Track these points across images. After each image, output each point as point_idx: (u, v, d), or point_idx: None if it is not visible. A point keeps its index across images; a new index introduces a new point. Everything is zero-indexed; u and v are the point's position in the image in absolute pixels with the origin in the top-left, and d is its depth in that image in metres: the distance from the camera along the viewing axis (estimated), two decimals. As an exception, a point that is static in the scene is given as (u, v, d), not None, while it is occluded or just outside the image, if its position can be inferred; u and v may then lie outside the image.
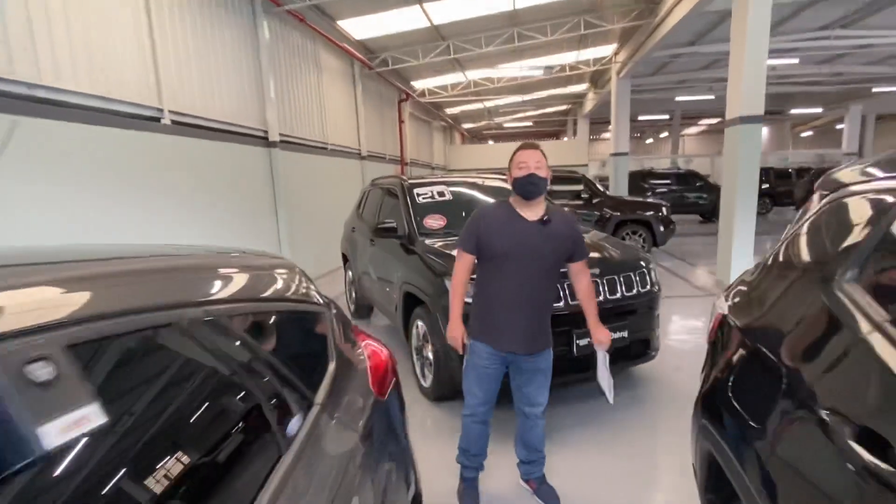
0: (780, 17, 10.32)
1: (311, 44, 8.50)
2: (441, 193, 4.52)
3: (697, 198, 14.92)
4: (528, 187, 2.19)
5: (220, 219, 5.88)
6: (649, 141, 35.69)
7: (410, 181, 4.71)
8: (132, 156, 4.57)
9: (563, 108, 23.87)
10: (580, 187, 9.30)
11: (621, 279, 3.35)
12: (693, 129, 31.60)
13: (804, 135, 28.38)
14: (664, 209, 8.97)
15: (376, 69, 10.99)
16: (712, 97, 18.08)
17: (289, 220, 7.21)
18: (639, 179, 14.49)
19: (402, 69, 12.88)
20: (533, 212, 2.23)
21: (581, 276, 2.38)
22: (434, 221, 4.21)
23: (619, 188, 12.83)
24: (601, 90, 16.62)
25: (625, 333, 3.30)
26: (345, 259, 5.99)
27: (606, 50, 13.13)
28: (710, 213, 15.04)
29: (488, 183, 4.81)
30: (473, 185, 4.80)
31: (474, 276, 2.40)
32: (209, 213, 5.65)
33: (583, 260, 2.37)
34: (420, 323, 3.65)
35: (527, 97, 18.72)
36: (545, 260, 2.24)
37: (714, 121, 27.48)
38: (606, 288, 3.30)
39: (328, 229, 7.46)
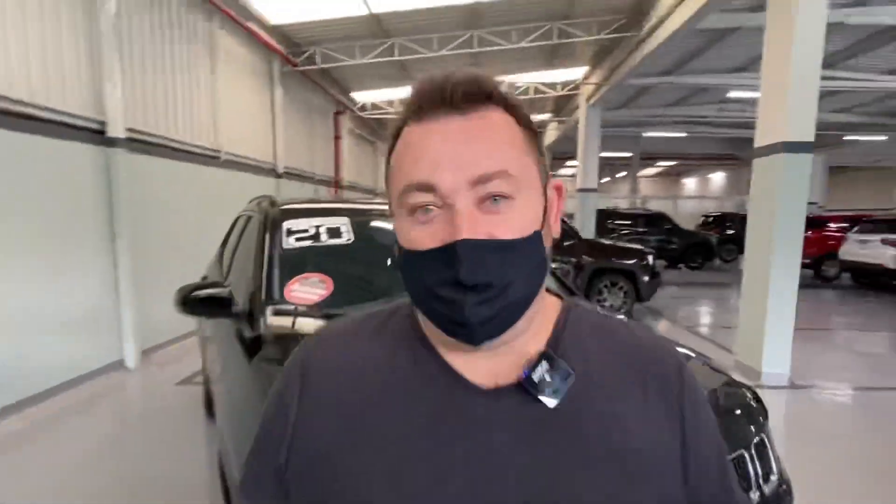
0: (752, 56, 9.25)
1: (202, 19, 6.34)
2: (336, 231, 2.42)
3: (665, 242, 13.61)
4: (451, 307, 0.51)
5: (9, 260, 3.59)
6: (605, 180, 35.04)
7: (282, 206, 2.59)
8: None
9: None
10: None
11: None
12: (649, 171, 31.08)
13: (757, 182, 28.19)
14: (649, 257, 7.22)
15: (302, 67, 8.89)
16: (683, 134, 17.06)
17: (133, 255, 4.89)
18: (603, 219, 13.12)
19: (339, 76, 10.89)
20: (499, 357, 0.56)
21: None
22: (306, 288, 2.11)
23: (586, 228, 11.16)
24: (565, 119, 15.17)
25: None
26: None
27: (577, 72, 11.61)
28: (678, 260, 13.84)
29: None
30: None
31: None
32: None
33: None
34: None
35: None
36: None
37: (671, 163, 26.88)
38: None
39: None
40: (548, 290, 0.63)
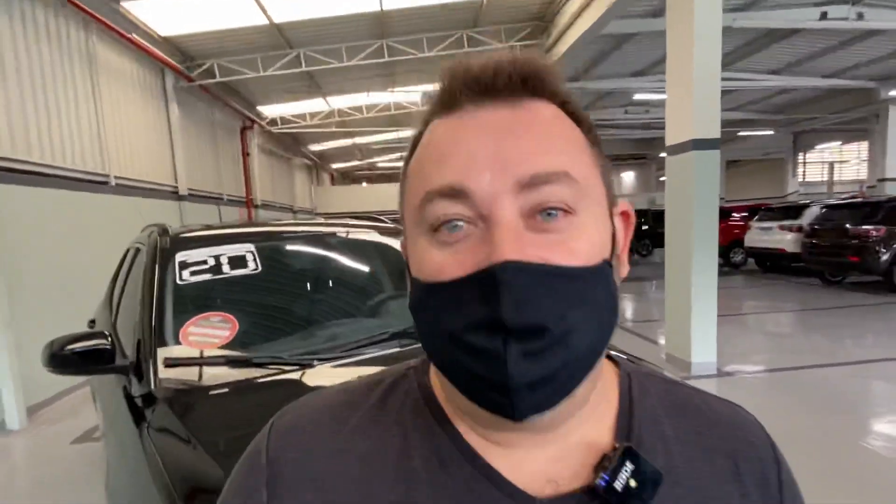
0: (656, 58, 9.79)
1: (77, 30, 5.70)
2: (240, 261, 2.09)
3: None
4: (489, 363, 0.36)
5: None
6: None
7: (175, 235, 2.23)
8: None
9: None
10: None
11: None
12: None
13: (662, 179, 30.07)
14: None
15: (199, 81, 8.28)
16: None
17: (9, 299, 4.23)
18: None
19: (243, 90, 10.33)
20: (551, 448, 0.42)
21: None
22: (206, 330, 1.78)
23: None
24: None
25: None
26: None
27: (487, 79, 11.74)
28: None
29: (351, 232, 2.51)
30: (323, 239, 2.45)
31: None
32: None
33: None
34: None
35: (402, 133, 16.94)
36: None
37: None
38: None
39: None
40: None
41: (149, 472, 1.27)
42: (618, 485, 0.38)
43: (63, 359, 1.73)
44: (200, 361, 1.69)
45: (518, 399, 0.36)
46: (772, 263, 11.05)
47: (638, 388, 0.47)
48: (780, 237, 9.89)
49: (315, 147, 18.42)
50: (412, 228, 0.41)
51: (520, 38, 8.59)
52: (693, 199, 4.48)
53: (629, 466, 0.39)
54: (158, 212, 7.29)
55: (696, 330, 4.57)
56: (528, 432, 0.41)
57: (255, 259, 2.07)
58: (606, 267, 0.39)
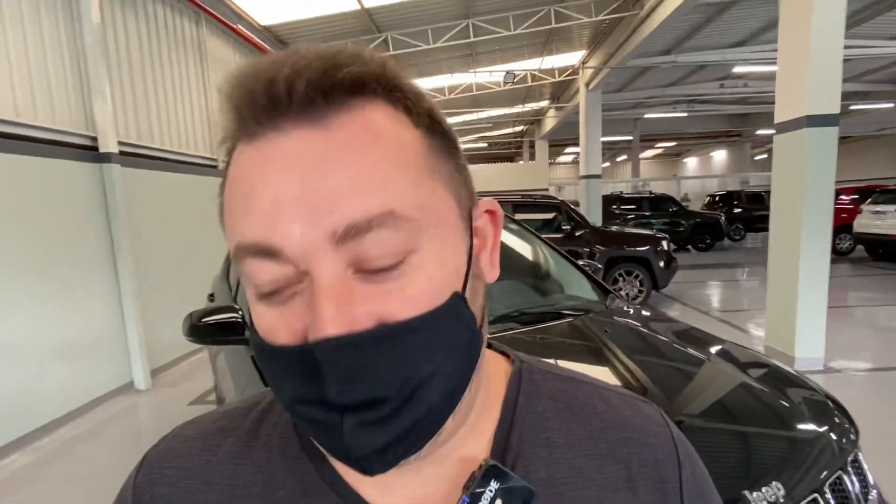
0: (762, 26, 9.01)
1: (190, 23, 6.14)
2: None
3: (673, 224, 13.42)
4: (326, 432, 0.32)
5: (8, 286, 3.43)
6: (606, 164, 34.83)
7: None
8: None
9: (519, 128, 22.27)
10: (555, 216, 7.27)
11: (829, 499, 1.18)
12: (648, 153, 30.84)
13: (758, 158, 27.95)
14: (664, 242, 7.03)
15: (295, 68, 8.67)
16: (683, 114, 16.84)
17: (136, 273, 4.72)
18: (607, 205, 12.89)
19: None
20: (425, 471, 0.38)
21: None
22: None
23: (593, 216, 10.96)
24: (564, 105, 14.94)
25: None
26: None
27: (573, 58, 11.39)
28: (686, 242, 13.66)
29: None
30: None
31: None
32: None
33: None
34: None
35: (482, 114, 16.86)
36: None
37: (671, 144, 26.62)
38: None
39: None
40: (490, 347, 0.45)
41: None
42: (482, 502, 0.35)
43: (201, 329, 1.94)
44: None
45: (366, 463, 0.33)
46: (885, 251, 10.05)
47: (526, 393, 0.44)
48: (896, 223, 8.95)
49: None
50: (240, 275, 0.34)
51: (609, 12, 8.24)
52: (805, 180, 4.15)
53: (493, 485, 0.36)
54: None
55: (803, 323, 4.28)
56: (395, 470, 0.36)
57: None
58: (456, 301, 0.33)
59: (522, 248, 2.68)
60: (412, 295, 0.31)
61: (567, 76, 12.07)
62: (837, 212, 10.53)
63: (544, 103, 16.42)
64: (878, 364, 4.56)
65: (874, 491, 1.33)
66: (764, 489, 1.08)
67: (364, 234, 0.30)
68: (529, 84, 12.52)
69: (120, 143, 4.62)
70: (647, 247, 6.93)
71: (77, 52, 4.30)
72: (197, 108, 6.24)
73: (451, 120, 15.29)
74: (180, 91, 5.88)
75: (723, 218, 14.06)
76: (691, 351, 1.66)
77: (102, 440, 3.80)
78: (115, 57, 4.76)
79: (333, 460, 0.39)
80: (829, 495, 1.18)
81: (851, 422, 1.41)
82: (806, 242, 4.20)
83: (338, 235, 0.30)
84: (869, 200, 9.93)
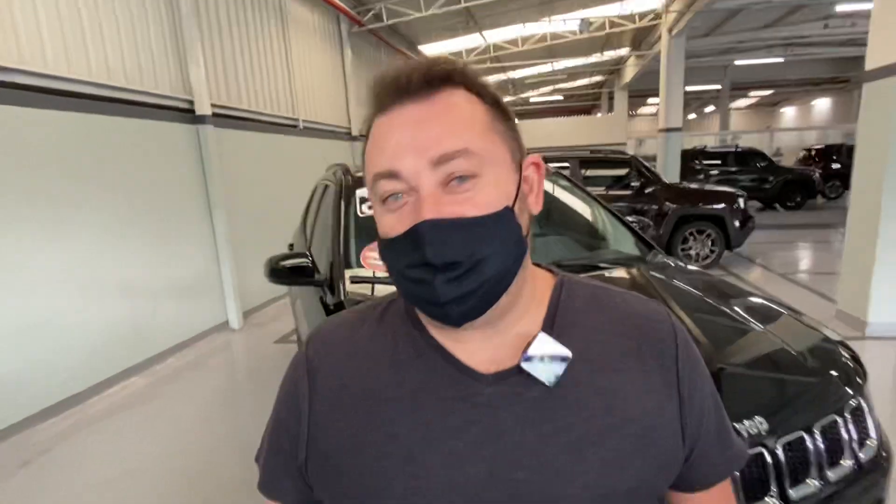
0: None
1: (273, -12, 6.46)
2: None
3: (760, 181, 12.54)
4: (424, 288, 0.51)
5: (120, 232, 4.05)
6: (692, 116, 32.64)
7: (356, 173, 2.68)
8: None
9: (597, 79, 21.31)
10: (627, 171, 7.13)
11: (817, 438, 1.30)
12: (741, 103, 28.54)
13: (871, 106, 25.00)
14: (740, 200, 6.75)
15: (368, 26, 8.88)
16: (780, 59, 15.38)
17: (229, 224, 5.27)
18: (688, 160, 12.20)
19: (404, 28, 10.76)
20: (495, 340, 0.58)
21: None
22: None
23: (670, 171, 10.52)
24: (645, 53, 14.14)
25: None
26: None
27: (656, 1, 10.72)
28: (773, 200, 12.74)
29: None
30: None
31: None
32: (101, 222, 3.78)
33: (723, 481, 0.65)
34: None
35: (557, 65, 16.32)
36: None
37: (766, 92, 24.48)
38: (784, 466, 1.25)
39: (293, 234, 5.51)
40: (539, 266, 0.63)
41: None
42: (533, 360, 0.54)
43: (279, 271, 2.27)
44: (377, 280, 2.10)
45: (450, 310, 0.51)
46: None
47: (566, 293, 0.62)
48: None
49: (470, 83, 18.60)
50: (372, 200, 0.55)
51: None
52: (891, 135, 3.89)
53: (542, 348, 0.54)
54: (335, 152, 8.21)
55: (879, 285, 4.09)
56: (475, 331, 0.56)
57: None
58: (507, 212, 0.51)
59: (571, 203, 2.80)
60: (476, 203, 0.50)
61: (649, 21, 11.41)
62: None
63: (624, 51, 15.61)
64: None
65: (874, 440, 1.42)
66: (746, 422, 1.23)
67: (449, 160, 0.49)
68: (608, 31, 11.95)
69: (213, 105, 5.08)
70: (722, 204, 6.68)
71: (174, 21, 4.74)
72: (280, 70, 6.64)
73: (525, 71, 14.83)
74: (265, 55, 6.28)
75: (817, 174, 12.96)
76: (711, 301, 1.77)
77: (205, 368, 4.42)
78: (206, 24, 5.18)
79: (434, 333, 0.58)
80: (817, 436, 1.29)
81: (859, 373, 1.49)
82: (888, 201, 3.97)
83: (434, 161, 0.49)
84: None
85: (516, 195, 0.53)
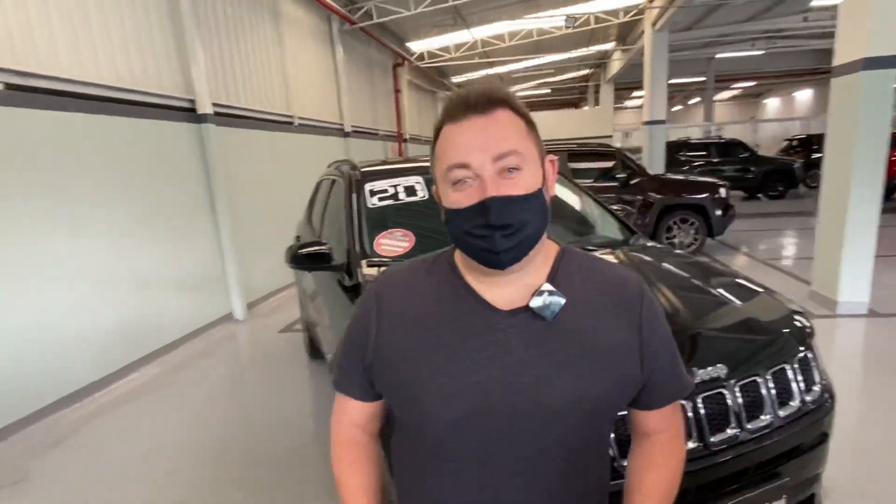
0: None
1: (267, -12, 6.61)
2: (412, 189, 2.71)
3: (742, 171, 12.89)
4: (485, 241, 0.73)
5: (130, 230, 4.21)
6: (677, 108, 33.06)
7: (363, 168, 2.90)
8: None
9: (584, 73, 21.58)
10: (613, 164, 7.40)
11: (769, 380, 1.56)
12: (724, 95, 28.99)
13: (850, 96, 25.53)
14: (721, 190, 7.05)
15: (359, 24, 9.04)
16: (761, 52, 15.74)
17: (232, 220, 5.45)
18: (673, 151, 12.48)
19: (393, 26, 10.93)
20: (512, 287, 0.80)
21: (661, 443, 0.89)
22: (392, 242, 2.43)
23: (655, 163, 10.81)
24: (630, 48, 14.42)
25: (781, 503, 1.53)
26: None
27: (639, -4, 10.96)
28: (756, 189, 13.12)
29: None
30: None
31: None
32: (114, 220, 3.94)
33: (672, 403, 0.88)
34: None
35: (544, 59, 16.55)
36: (558, 422, 0.77)
37: (749, 84, 24.91)
38: (741, 406, 1.50)
39: (292, 228, 5.69)
40: (548, 238, 0.85)
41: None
42: (538, 302, 0.76)
43: (299, 258, 2.48)
44: (388, 264, 2.32)
45: (504, 257, 0.73)
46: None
47: (566, 259, 0.83)
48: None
49: (458, 79, 18.80)
50: (442, 183, 0.76)
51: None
52: (856, 127, 4.18)
53: (546, 294, 0.77)
54: (329, 149, 8.38)
55: (847, 267, 4.39)
56: (501, 278, 0.77)
57: (423, 188, 2.65)
58: (540, 193, 0.74)
59: (561, 194, 3.04)
60: (521, 186, 0.72)
61: (632, 17, 11.67)
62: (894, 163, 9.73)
63: (609, 45, 15.88)
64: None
65: (819, 385, 1.68)
66: (710, 368, 1.48)
67: (505, 157, 0.71)
68: (593, 27, 12.20)
69: (213, 104, 5.25)
70: (705, 194, 6.98)
71: (174, 21, 4.88)
72: (275, 68, 6.80)
73: (512, 66, 14.97)
74: (260, 53, 6.44)
75: (798, 164, 13.33)
76: (686, 275, 2.03)
77: (213, 357, 4.61)
78: (205, 24, 5.33)
79: (469, 280, 0.81)
80: (769, 379, 1.55)
81: (805, 329, 1.75)
82: (855, 189, 4.26)
83: (494, 157, 0.70)
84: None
85: (543, 182, 0.76)
